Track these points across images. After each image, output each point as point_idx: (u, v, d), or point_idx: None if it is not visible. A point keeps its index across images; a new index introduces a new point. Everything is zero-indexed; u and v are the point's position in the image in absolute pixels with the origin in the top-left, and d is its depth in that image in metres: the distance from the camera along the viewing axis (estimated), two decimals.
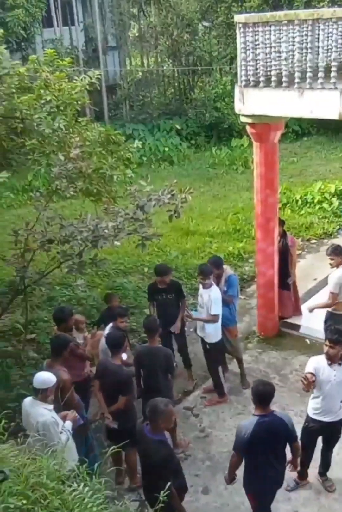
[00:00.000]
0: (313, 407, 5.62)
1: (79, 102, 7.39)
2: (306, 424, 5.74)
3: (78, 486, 3.27)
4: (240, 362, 7.74)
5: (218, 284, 7.31)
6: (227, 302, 7.40)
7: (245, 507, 5.67)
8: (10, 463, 3.29)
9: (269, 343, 8.59)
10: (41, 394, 4.87)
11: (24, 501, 2.92)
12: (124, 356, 6.19)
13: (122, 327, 6.66)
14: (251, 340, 8.75)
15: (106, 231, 6.35)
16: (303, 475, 5.95)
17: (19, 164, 7.87)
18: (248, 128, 7.92)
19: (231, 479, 5.18)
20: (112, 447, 4.01)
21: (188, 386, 7.75)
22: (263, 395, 4.82)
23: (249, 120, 7.68)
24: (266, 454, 4.82)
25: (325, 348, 5.45)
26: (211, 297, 6.99)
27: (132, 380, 5.94)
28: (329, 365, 5.43)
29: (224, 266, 7.74)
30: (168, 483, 3.76)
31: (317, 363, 5.50)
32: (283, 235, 8.68)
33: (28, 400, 5.02)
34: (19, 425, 5.07)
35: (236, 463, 5.02)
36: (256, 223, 8.54)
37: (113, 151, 7.87)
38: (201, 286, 7.21)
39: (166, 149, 19.11)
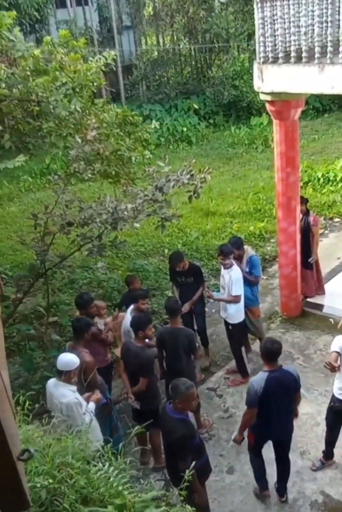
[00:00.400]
0: (338, 387, 5.54)
1: (95, 84, 7.32)
2: (332, 404, 5.67)
3: (103, 465, 3.27)
4: (262, 342, 7.66)
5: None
6: (252, 283, 7.34)
7: (270, 486, 5.66)
8: (35, 443, 3.30)
9: (292, 323, 8.50)
10: (64, 376, 4.89)
11: (51, 480, 2.93)
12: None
13: (143, 309, 6.64)
14: (274, 320, 8.66)
15: (125, 213, 6.32)
16: (329, 455, 5.90)
17: (36, 148, 7.84)
18: (267, 105, 7.76)
19: (241, 439, 5.45)
20: (136, 427, 4.01)
21: (204, 363, 7.74)
22: (271, 352, 5.09)
23: (268, 98, 7.51)
24: (276, 406, 5.09)
25: None
26: (231, 278, 6.92)
27: (153, 362, 5.92)
28: None
29: (245, 247, 7.65)
30: (193, 463, 3.75)
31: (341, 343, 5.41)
32: (305, 213, 8.52)
33: (52, 382, 5.05)
34: (44, 407, 5.12)
35: (249, 419, 5.22)
36: (277, 202, 8.40)
37: (131, 132, 7.80)
38: (222, 266, 7.15)
39: (184, 129, 18.92)
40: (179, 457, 4.45)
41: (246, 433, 5.43)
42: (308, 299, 8.87)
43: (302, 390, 6.10)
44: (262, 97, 7.63)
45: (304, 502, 5.50)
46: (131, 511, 2.89)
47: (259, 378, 5.13)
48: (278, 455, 5.54)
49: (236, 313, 7.08)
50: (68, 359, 4.98)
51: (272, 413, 5.12)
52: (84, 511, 2.77)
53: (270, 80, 7.18)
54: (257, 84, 7.40)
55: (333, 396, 5.65)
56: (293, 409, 5.32)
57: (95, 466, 3.29)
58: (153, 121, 8.60)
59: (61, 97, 6.77)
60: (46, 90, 6.74)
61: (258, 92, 7.80)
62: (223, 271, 7.13)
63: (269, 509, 5.44)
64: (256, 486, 5.67)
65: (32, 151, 8.92)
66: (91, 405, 4.96)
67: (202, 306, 7.80)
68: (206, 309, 8.29)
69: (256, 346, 7.73)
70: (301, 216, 8.39)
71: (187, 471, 3.44)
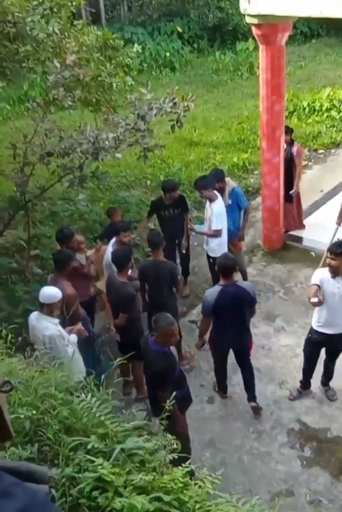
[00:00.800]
0: (316, 319, 5.66)
1: (74, 3, 6.94)
2: (309, 335, 5.82)
3: (86, 396, 3.32)
4: (244, 275, 7.74)
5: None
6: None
7: (249, 415, 5.88)
8: (18, 375, 3.33)
9: (274, 256, 8.57)
10: (46, 309, 4.90)
11: (34, 411, 2.98)
12: (129, 271, 6.19)
13: (125, 242, 6.61)
14: (256, 253, 8.72)
15: (107, 142, 6.16)
16: (306, 385, 6.10)
17: (13, 73, 7.50)
18: (253, 29, 7.47)
19: (201, 344, 6.08)
20: (118, 359, 4.07)
21: (184, 291, 7.82)
22: (225, 267, 5.59)
23: (255, 21, 7.20)
24: (230, 318, 5.58)
25: (328, 260, 5.41)
26: (213, 211, 6.88)
27: (135, 297, 5.94)
28: (333, 277, 5.41)
29: (227, 179, 7.57)
30: (173, 394, 3.84)
31: (321, 276, 5.48)
32: (289, 143, 8.41)
33: (34, 315, 5.07)
34: (26, 340, 5.15)
35: (205, 327, 5.86)
36: (261, 132, 8.25)
37: (112, 57, 7.49)
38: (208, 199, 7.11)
39: (168, 54, 18.23)
40: (159, 388, 4.57)
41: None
42: (290, 233, 8.91)
43: (281, 322, 6.21)
44: (248, 20, 7.32)
45: (281, 430, 5.73)
46: (114, 440, 2.96)
47: (213, 291, 5.67)
48: (240, 363, 6.03)
49: (218, 247, 7.08)
50: (50, 292, 4.98)
51: (227, 324, 5.63)
52: (68, 441, 2.83)
53: (256, 1, 6.87)
54: (243, 6, 7.09)
55: (311, 328, 5.78)
56: (246, 322, 5.80)
57: (78, 397, 3.34)
58: (136, 45, 8.24)
59: (39, 18, 6.45)
60: (22, 10, 6.37)
61: (244, 15, 7.47)
62: (207, 204, 7.09)
63: (246, 437, 5.66)
64: (215, 383, 6.27)
65: (9, 77, 8.52)
66: (73, 337, 5.01)
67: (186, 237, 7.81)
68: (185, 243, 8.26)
69: (237, 278, 7.81)
70: (285, 146, 8.28)
71: (168, 402, 3.53)
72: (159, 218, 7.72)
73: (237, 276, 7.69)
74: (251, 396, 5.96)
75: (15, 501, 1.01)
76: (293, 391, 6.11)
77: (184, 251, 7.66)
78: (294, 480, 5.18)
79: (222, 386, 6.21)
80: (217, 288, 5.66)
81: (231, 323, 5.64)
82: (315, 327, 5.69)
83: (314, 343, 5.76)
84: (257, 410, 5.90)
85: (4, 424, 1.36)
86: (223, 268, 5.60)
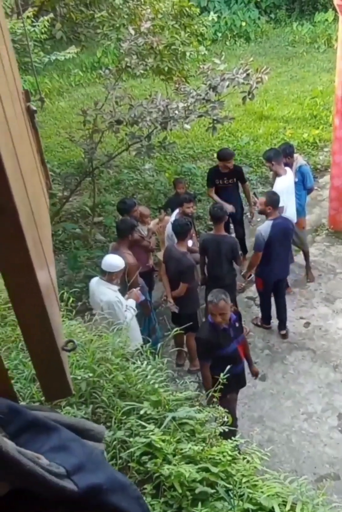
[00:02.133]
0: None
1: None
2: None
3: (142, 363, 3.41)
4: (306, 254, 7.55)
5: None
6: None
7: (301, 396, 5.82)
8: (77, 338, 3.46)
9: (338, 237, 8.28)
10: (107, 276, 5.00)
11: (91, 374, 3.10)
12: (190, 242, 6.20)
13: (188, 213, 6.62)
14: (319, 233, 8.47)
15: (176, 112, 6.14)
16: None
17: (88, 39, 7.60)
18: None
19: (249, 273, 6.75)
20: (175, 329, 4.12)
21: (243, 268, 7.74)
22: (274, 200, 6.19)
23: None
24: (280, 249, 6.23)
25: None
26: (276, 187, 6.75)
27: (193, 269, 5.96)
28: None
29: (296, 155, 7.36)
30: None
31: None
32: None
33: (94, 280, 5.19)
34: (86, 305, 5.31)
35: (256, 261, 6.34)
36: (335, 108, 7.90)
37: (187, 25, 7.42)
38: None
39: (243, 24, 17.70)
40: (199, 356, 4.91)
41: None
42: None
43: (341, 305, 6.00)
44: None
45: (332, 413, 5.63)
46: (166, 408, 3.03)
47: (266, 226, 6.19)
48: (280, 291, 6.63)
49: None
50: (113, 261, 5.06)
51: (277, 255, 6.21)
52: (121, 405, 2.93)
53: None
54: None
55: None
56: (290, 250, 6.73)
57: (133, 363, 3.44)
58: (211, 13, 8.11)
59: None
60: None
61: None
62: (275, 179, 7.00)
63: (296, 417, 5.61)
64: (259, 318, 6.81)
65: (84, 43, 8.66)
66: (131, 301, 5.08)
67: (241, 212, 7.71)
68: (248, 215, 8.17)
69: (299, 258, 7.64)
70: None
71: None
72: (215, 188, 7.68)
73: (299, 256, 7.54)
74: (282, 325, 6.64)
75: (72, 456, 1.06)
76: None
77: (251, 219, 7.68)
78: (341, 465, 5.11)
79: (267, 318, 6.73)
80: (268, 223, 6.19)
81: (279, 254, 6.24)
82: None
83: None
84: (285, 336, 6.61)
85: (65, 381, 1.42)
86: (275, 201, 6.18)
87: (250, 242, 8.14)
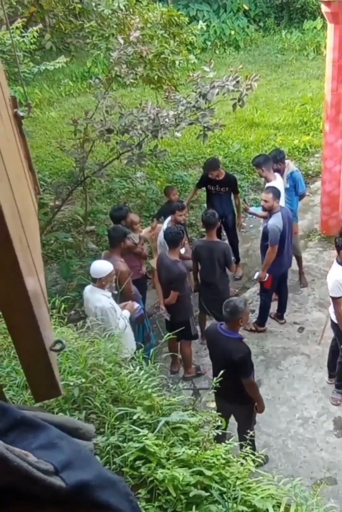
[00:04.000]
0: None
1: None
2: None
3: (134, 369, 3.40)
4: (299, 260, 7.58)
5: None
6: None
7: (296, 401, 5.82)
8: (70, 344, 3.45)
9: (330, 242, 8.29)
10: (98, 282, 5.01)
11: (83, 380, 3.09)
12: (182, 250, 6.21)
13: (180, 221, 6.64)
14: (312, 238, 8.52)
15: (167, 120, 6.16)
16: None
17: (77, 49, 7.63)
18: (322, 7, 7.18)
19: (264, 274, 6.46)
20: (167, 335, 4.13)
21: (236, 274, 7.78)
22: (279, 193, 6.29)
23: None
24: (288, 240, 6.37)
25: None
26: None
27: (184, 277, 5.94)
28: None
29: (287, 161, 7.41)
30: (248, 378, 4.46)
31: None
32: None
33: (88, 287, 5.20)
34: (79, 314, 5.31)
35: (272, 256, 6.28)
36: (325, 114, 7.98)
37: (176, 34, 7.46)
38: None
39: (232, 32, 17.86)
40: (244, 374, 4.58)
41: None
42: None
43: None
44: None
45: (327, 418, 5.64)
46: (159, 412, 3.02)
47: (278, 219, 6.18)
48: (281, 287, 6.76)
49: None
50: (99, 266, 5.09)
51: (284, 246, 6.31)
52: (114, 410, 2.92)
53: None
54: None
55: None
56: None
57: (126, 369, 3.44)
58: (200, 22, 8.16)
59: None
60: None
61: None
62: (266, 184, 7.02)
63: (292, 422, 5.61)
64: (253, 323, 6.78)
65: (73, 53, 8.69)
66: (126, 312, 5.10)
67: (233, 220, 7.74)
68: (244, 224, 8.21)
69: (292, 263, 7.67)
70: None
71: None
72: (207, 193, 7.71)
73: (292, 262, 7.58)
74: (281, 315, 6.89)
75: (60, 453, 1.06)
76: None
77: (241, 230, 7.66)
78: (338, 469, 5.10)
79: (265, 319, 6.79)
80: (278, 215, 6.20)
81: (288, 244, 6.41)
82: None
83: None
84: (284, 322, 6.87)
85: (53, 381, 1.43)
86: (275, 192, 6.23)
87: (242, 248, 8.19)
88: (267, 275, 6.46)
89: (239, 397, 4.69)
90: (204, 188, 7.90)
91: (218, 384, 3.31)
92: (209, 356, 4.97)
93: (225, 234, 7.95)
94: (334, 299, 5.39)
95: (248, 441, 3.08)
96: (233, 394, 4.63)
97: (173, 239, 5.88)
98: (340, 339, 5.64)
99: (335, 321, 5.51)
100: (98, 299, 4.94)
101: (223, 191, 7.46)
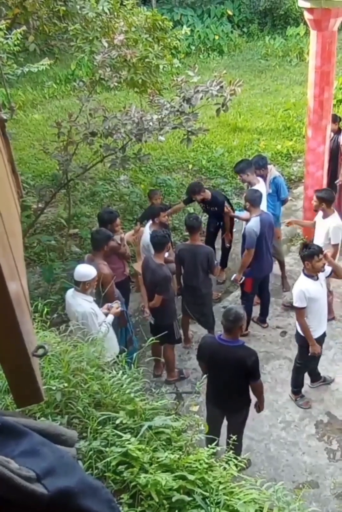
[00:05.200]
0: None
1: None
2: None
3: (117, 373, 3.39)
4: (282, 264, 7.64)
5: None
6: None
7: (278, 404, 5.88)
8: (52, 349, 3.42)
9: None
10: (81, 286, 4.98)
11: (66, 384, 3.07)
12: (166, 254, 6.22)
13: (164, 222, 6.67)
14: (294, 242, 8.59)
15: (150, 124, 6.16)
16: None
17: (61, 52, 7.60)
18: (305, 13, 7.27)
19: (240, 276, 6.53)
20: (150, 339, 4.12)
21: (221, 278, 7.82)
22: (260, 197, 6.39)
23: (308, 5, 7.02)
24: (267, 243, 6.39)
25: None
26: None
27: (169, 281, 5.95)
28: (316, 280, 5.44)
29: (270, 166, 7.47)
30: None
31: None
32: (337, 132, 8.24)
33: (70, 292, 5.17)
34: (61, 317, 5.27)
35: (248, 260, 6.37)
36: (307, 120, 8.07)
37: (160, 38, 7.48)
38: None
39: (216, 37, 17.97)
40: (255, 377, 4.66)
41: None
42: None
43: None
44: (301, 3, 7.15)
45: (309, 421, 5.69)
46: (142, 417, 3.01)
47: (254, 223, 6.24)
48: (262, 291, 6.86)
49: None
50: (84, 270, 5.06)
51: (265, 250, 6.37)
52: (97, 415, 2.90)
53: None
54: None
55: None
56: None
57: (109, 373, 3.42)
58: (184, 27, 8.18)
59: None
60: None
61: None
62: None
63: (274, 426, 5.64)
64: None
65: (57, 55, 8.65)
66: (110, 318, 5.08)
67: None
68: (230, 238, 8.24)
69: (275, 267, 7.72)
70: (332, 135, 8.11)
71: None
72: (202, 207, 7.78)
73: (275, 266, 7.64)
74: (264, 319, 6.97)
75: (42, 460, 1.04)
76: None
77: (227, 245, 7.72)
78: (320, 472, 5.15)
79: (248, 322, 6.59)
80: (256, 219, 6.25)
81: (267, 249, 6.44)
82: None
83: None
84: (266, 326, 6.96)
85: (36, 387, 1.41)
86: (253, 199, 6.36)
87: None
88: (243, 277, 6.55)
89: (238, 404, 4.81)
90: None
91: (213, 392, 3.31)
92: (209, 370, 4.77)
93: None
94: (298, 309, 5.47)
95: (231, 445, 3.10)
96: (235, 400, 4.73)
97: (158, 242, 5.88)
98: (300, 350, 5.73)
99: (300, 332, 5.58)
100: (80, 303, 4.91)
101: (212, 210, 7.47)
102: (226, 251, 7.85)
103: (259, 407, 5.00)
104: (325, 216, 6.52)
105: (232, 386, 4.65)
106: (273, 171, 7.44)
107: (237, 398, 4.74)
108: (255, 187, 6.86)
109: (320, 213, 6.65)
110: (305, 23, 10.13)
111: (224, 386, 4.60)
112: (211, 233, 7.74)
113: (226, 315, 4.56)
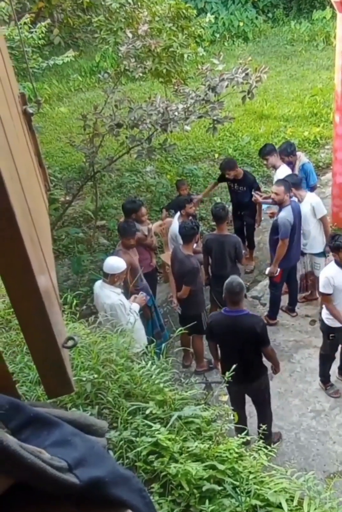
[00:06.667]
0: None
1: None
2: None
3: (146, 364, 3.41)
4: None
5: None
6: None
7: (308, 394, 5.80)
8: (81, 340, 3.47)
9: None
10: (110, 278, 5.01)
11: (96, 375, 3.10)
12: (194, 245, 6.21)
13: (192, 212, 6.66)
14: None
15: (176, 114, 6.14)
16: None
17: (86, 44, 7.63)
18: None
19: (276, 269, 6.39)
20: (179, 329, 4.13)
21: (249, 267, 7.77)
22: (289, 186, 6.22)
23: None
24: (298, 232, 6.37)
25: None
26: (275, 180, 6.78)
27: (196, 272, 5.93)
28: None
29: (298, 153, 7.37)
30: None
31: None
32: None
33: (98, 283, 5.21)
34: (90, 309, 5.31)
35: (283, 250, 6.23)
36: (335, 105, 7.90)
37: (184, 27, 7.43)
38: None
39: (241, 24, 17.72)
40: (265, 342, 4.79)
41: None
42: None
43: None
44: None
45: (340, 410, 5.61)
46: (172, 407, 3.03)
47: (287, 212, 6.13)
48: (290, 280, 6.76)
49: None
50: (114, 263, 5.09)
51: (294, 240, 6.27)
52: (127, 405, 2.93)
53: None
54: None
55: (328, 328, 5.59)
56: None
57: (138, 364, 3.45)
58: (208, 15, 8.11)
59: None
60: None
61: None
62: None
63: (304, 415, 5.60)
64: (264, 316, 6.66)
65: (82, 48, 8.69)
66: (135, 306, 5.10)
67: (250, 214, 7.68)
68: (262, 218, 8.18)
69: None
70: None
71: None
72: (228, 187, 7.80)
73: None
74: (293, 308, 6.90)
75: (73, 450, 1.06)
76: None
77: (257, 226, 7.75)
78: None
79: (276, 312, 6.76)
80: (288, 208, 6.15)
81: (298, 238, 6.38)
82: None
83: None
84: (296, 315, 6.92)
85: (66, 378, 1.43)
86: (289, 184, 6.24)
87: (256, 239, 8.13)
88: (279, 269, 6.41)
89: (255, 372, 4.88)
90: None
91: (229, 369, 3.30)
92: (220, 346, 4.97)
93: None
94: (324, 295, 5.42)
95: (261, 433, 3.09)
96: (251, 370, 4.78)
97: (187, 234, 5.88)
98: (324, 338, 5.68)
99: (325, 320, 5.54)
100: (108, 295, 4.95)
101: (241, 190, 7.43)
102: (251, 231, 7.80)
103: (275, 370, 5.14)
104: None
105: (246, 355, 4.71)
106: (302, 157, 7.35)
107: (252, 367, 4.80)
108: (280, 169, 6.83)
109: None
110: (331, 6, 9.89)
111: (239, 358, 4.64)
112: (236, 218, 7.76)
113: (230, 289, 4.60)
